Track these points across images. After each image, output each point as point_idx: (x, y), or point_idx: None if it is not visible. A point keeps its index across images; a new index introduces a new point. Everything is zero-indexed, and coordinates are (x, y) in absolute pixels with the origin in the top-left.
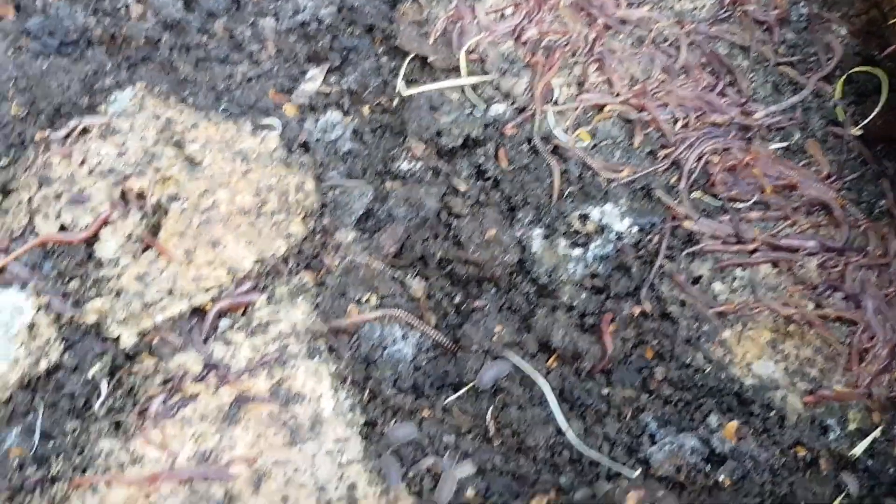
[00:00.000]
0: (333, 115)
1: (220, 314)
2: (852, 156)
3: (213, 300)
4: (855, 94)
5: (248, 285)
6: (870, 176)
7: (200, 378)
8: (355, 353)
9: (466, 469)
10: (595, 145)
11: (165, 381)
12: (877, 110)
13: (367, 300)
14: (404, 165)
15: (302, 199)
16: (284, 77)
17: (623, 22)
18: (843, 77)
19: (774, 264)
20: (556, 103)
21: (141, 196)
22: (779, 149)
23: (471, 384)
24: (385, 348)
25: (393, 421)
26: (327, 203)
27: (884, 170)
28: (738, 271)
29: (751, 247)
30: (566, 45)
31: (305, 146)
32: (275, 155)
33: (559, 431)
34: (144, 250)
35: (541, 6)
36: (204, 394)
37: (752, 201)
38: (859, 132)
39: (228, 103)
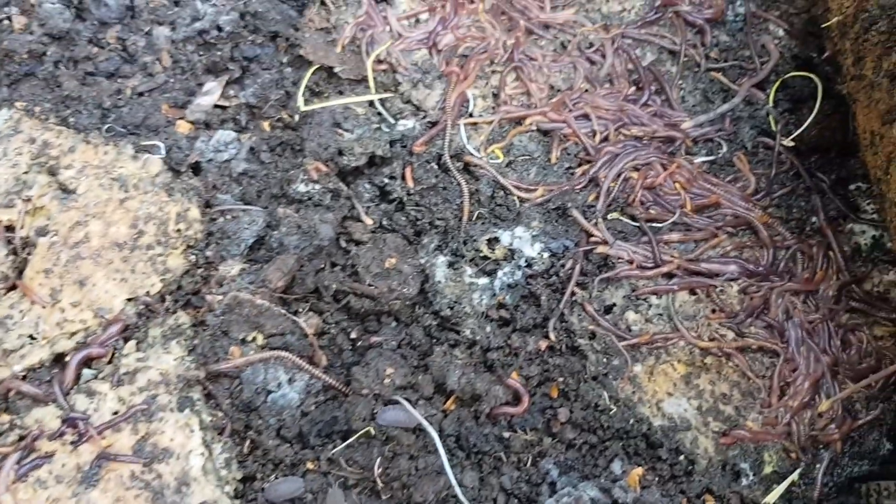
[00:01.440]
0: (227, 133)
1: (84, 362)
2: (783, 169)
3: (78, 346)
4: (790, 100)
5: (116, 328)
6: (801, 191)
7: (58, 435)
8: (236, 399)
9: None
10: (510, 162)
11: (20, 439)
12: (810, 119)
13: (253, 340)
14: (301, 188)
15: (184, 228)
16: (180, 90)
17: (546, 26)
18: (778, 82)
19: (692, 291)
20: (470, 116)
21: (10, 229)
22: (705, 162)
23: (360, 432)
24: (269, 393)
25: (274, 475)
26: (213, 232)
27: (816, 184)
28: (654, 299)
29: (667, 270)
30: (484, 52)
31: (196, 167)
32: (157, 180)
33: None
34: (9, 291)
35: (458, 10)
36: (61, 452)
37: (672, 221)
38: (791, 143)
39: (115, 122)
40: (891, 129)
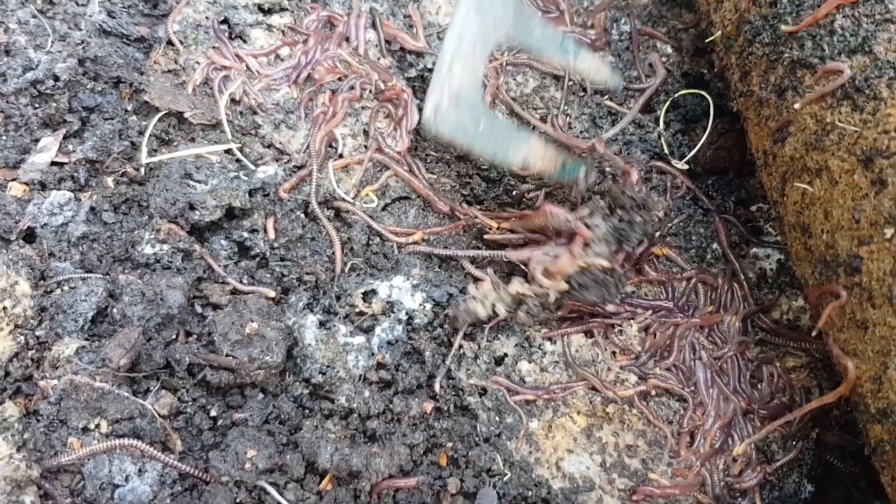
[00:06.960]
0: (62, 194)
1: None
2: (679, 194)
3: None
4: (682, 120)
5: None
6: (699, 216)
7: None
8: (77, 497)
9: None
10: (386, 205)
11: None
12: (704, 139)
13: (96, 427)
14: (148, 249)
15: (10, 306)
16: (12, 149)
17: (419, 55)
18: (668, 102)
19: (588, 333)
20: (340, 157)
21: None
22: None
23: None
24: (116, 488)
25: None
26: (47, 307)
27: (715, 207)
28: (548, 345)
29: (560, 313)
30: (352, 87)
31: (30, 234)
32: None
33: None
34: None
35: (324, 42)
36: None
37: None
38: (685, 166)
39: None
40: (783, 148)
